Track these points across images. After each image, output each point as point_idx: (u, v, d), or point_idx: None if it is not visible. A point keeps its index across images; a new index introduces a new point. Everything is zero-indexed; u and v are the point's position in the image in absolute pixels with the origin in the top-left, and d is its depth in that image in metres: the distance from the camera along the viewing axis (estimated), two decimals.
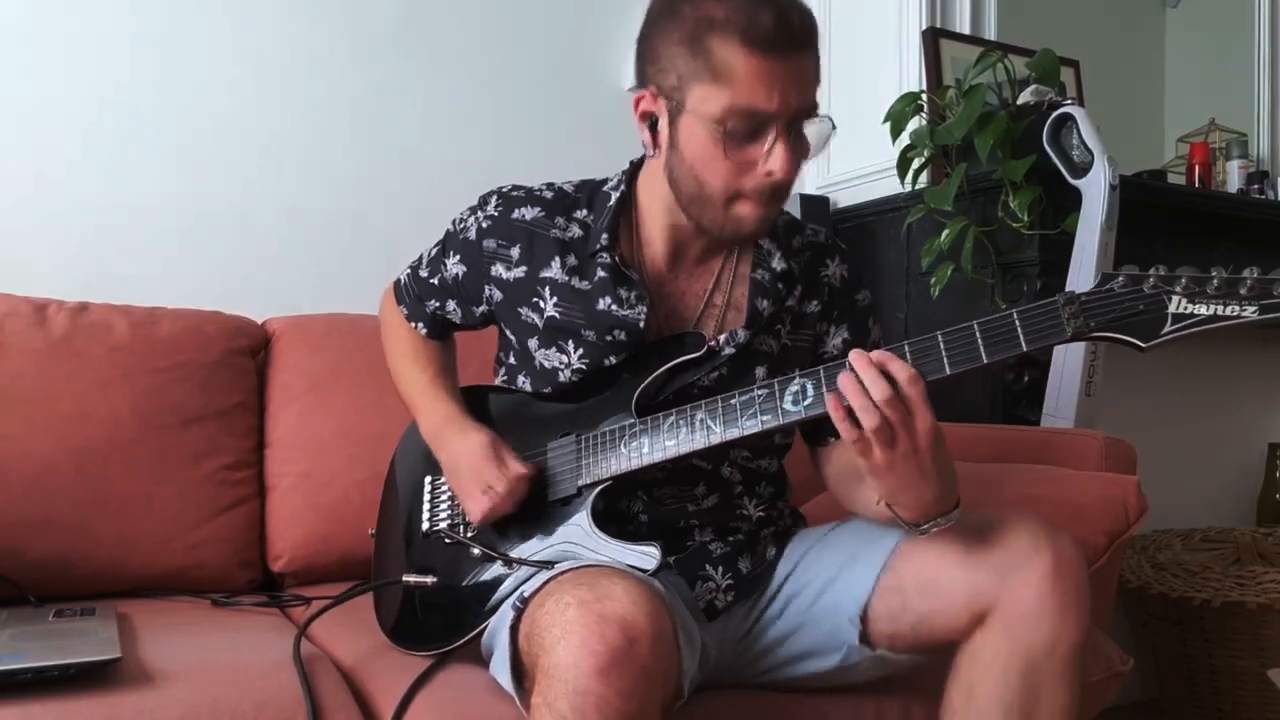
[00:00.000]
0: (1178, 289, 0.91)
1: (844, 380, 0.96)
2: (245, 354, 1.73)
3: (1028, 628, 1.01)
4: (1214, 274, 0.90)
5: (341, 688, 1.12)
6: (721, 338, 1.17)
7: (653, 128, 1.10)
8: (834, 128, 1.08)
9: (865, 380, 0.95)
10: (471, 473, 1.17)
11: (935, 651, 1.10)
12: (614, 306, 1.17)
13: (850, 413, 0.95)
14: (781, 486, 1.29)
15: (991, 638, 1.03)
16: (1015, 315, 0.95)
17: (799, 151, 1.07)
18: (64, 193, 1.87)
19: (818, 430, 1.24)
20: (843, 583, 1.14)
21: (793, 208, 2.38)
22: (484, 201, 1.25)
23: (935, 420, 0.96)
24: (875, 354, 0.96)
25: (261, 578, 1.66)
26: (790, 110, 1.04)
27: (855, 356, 0.97)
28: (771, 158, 1.04)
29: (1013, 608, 1.01)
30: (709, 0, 1.03)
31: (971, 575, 1.04)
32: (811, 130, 1.07)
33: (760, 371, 1.19)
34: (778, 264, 1.20)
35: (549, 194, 1.23)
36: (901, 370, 0.95)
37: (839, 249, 1.28)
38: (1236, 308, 0.89)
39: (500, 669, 1.05)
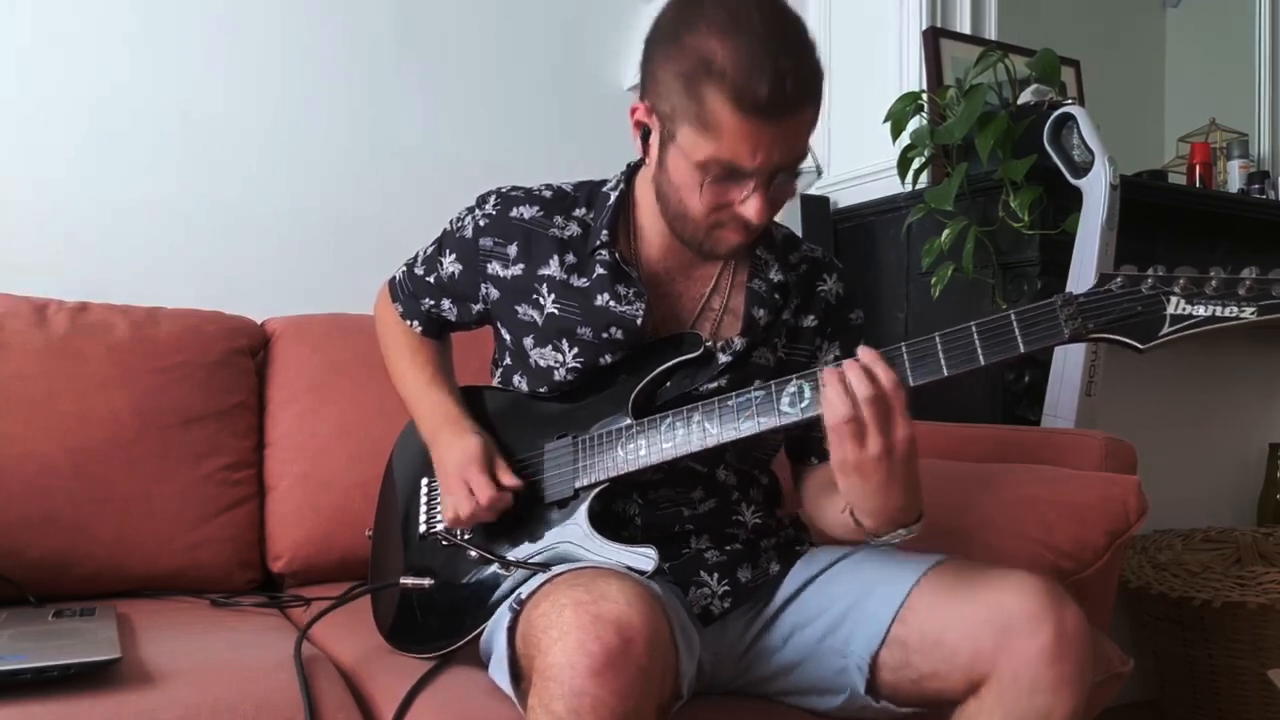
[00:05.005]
0: (1176, 290, 0.90)
1: (828, 372, 0.96)
2: (245, 354, 1.73)
3: (1021, 701, 0.99)
4: (1212, 274, 0.89)
5: (341, 689, 1.12)
6: (719, 345, 1.17)
7: (645, 137, 1.11)
8: (820, 174, 1.09)
9: (850, 377, 0.95)
10: (458, 472, 1.16)
11: (936, 706, 1.08)
12: (612, 303, 1.17)
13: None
14: (776, 493, 1.28)
15: (985, 706, 1.01)
16: (1013, 316, 0.94)
17: (781, 194, 1.09)
18: (64, 193, 1.87)
19: (803, 446, 1.24)
20: (851, 625, 1.11)
21: (793, 208, 2.37)
22: (482, 200, 1.25)
23: (913, 433, 0.96)
24: (865, 352, 0.97)
25: (261, 578, 1.66)
26: (772, 166, 1.04)
27: (848, 363, 0.97)
28: (746, 205, 1.06)
29: (1008, 678, 0.99)
30: (712, 36, 1.00)
31: (973, 639, 1.02)
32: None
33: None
34: (774, 275, 1.21)
35: (548, 194, 1.23)
36: (885, 374, 0.95)
37: (836, 267, 1.28)
38: (1235, 308, 0.88)
39: (498, 671, 1.05)
